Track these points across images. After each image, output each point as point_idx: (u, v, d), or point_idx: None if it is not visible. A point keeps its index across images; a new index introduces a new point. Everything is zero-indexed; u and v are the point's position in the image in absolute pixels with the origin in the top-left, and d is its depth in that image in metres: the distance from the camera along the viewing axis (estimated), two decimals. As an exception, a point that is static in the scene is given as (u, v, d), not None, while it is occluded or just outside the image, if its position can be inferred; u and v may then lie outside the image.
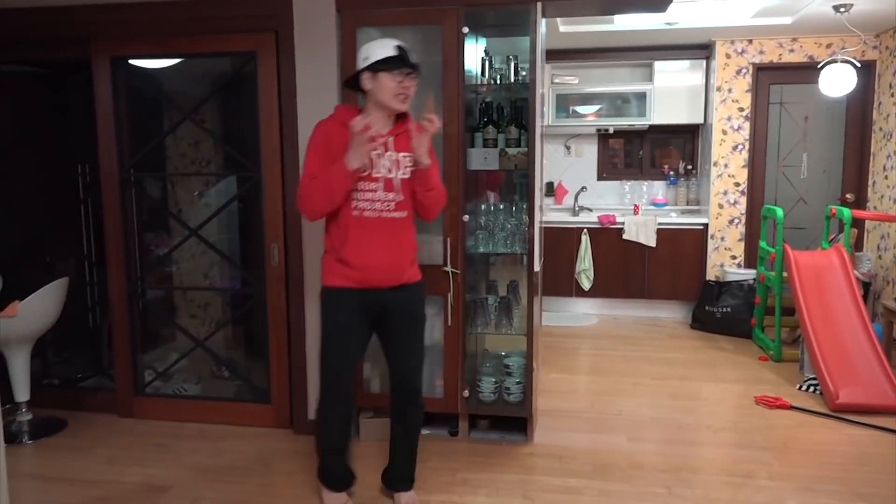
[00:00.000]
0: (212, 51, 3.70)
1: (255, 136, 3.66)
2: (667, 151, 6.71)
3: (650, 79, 6.34)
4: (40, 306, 3.60)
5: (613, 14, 4.95)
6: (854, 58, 5.34)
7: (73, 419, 3.90)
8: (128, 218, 3.89)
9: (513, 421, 3.64)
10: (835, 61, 5.07)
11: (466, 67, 3.41)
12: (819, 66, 5.18)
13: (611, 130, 6.61)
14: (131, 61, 3.87)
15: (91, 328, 4.61)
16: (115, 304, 3.89)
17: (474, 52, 3.61)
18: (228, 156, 4.74)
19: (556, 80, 6.48)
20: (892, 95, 5.45)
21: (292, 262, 3.62)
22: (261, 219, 3.70)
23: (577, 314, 6.38)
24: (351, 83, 2.74)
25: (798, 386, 4.40)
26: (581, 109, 6.47)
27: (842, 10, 4.70)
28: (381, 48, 2.60)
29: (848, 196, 5.97)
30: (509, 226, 3.64)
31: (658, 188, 6.68)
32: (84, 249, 4.51)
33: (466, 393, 3.54)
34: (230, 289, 4.95)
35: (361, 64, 2.63)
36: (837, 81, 5.03)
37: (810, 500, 2.98)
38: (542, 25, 3.53)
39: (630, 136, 6.73)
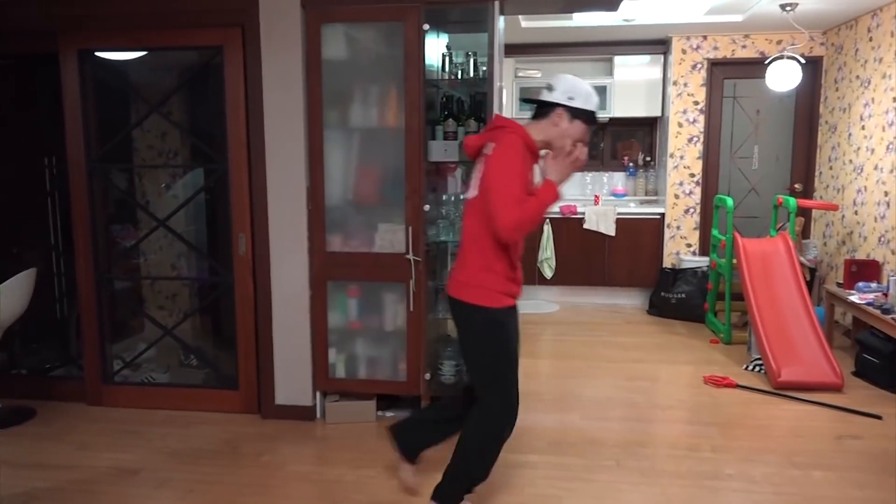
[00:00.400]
0: (179, 45, 3.77)
1: (221, 129, 3.75)
2: (627, 143, 6.92)
3: (610, 73, 6.54)
4: (9, 296, 3.65)
5: (568, 12, 5.12)
6: (802, 54, 5.59)
7: (42, 408, 3.96)
8: (96, 209, 3.95)
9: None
10: (781, 58, 5.31)
11: (428, 62, 3.54)
12: (766, 63, 5.41)
13: (572, 123, 6.78)
14: (98, 53, 3.92)
15: (59, 319, 4.66)
16: (84, 294, 3.96)
17: (436, 47, 3.75)
18: (195, 148, 4.82)
19: (520, 74, 6.65)
20: (837, 90, 5.72)
21: (259, 251, 3.73)
22: (227, 209, 3.80)
23: (540, 302, 6.57)
24: (531, 102, 2.69)
25: (745, 366, 4.64)
26: (544, 102, 6.62)
27: (787, 8, 4.93)
28: (587, 99, 2.59)
29: (796, 186, 6.24)
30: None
31: (618, 179, 6.89)
32: (51, 240, 4.55)
33: (428, 376, 3.69)
34: (198, 278, 5.03)
35: (562, 98, 2.57)
36: (783, 77, 5.27)
37: (748, 469, 3.19)
38: (500, 22, 3.67)
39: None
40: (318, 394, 3.82)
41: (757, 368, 4.57)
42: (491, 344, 2.65)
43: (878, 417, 3.79)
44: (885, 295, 4.47)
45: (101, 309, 4.01)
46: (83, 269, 3.94)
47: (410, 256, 3.59)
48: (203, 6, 3.60)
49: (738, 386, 4.28)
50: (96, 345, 3.99)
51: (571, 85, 2.59)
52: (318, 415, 3.82)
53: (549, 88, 2.61)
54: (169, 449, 3.45)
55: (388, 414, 3.83)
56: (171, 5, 3.61)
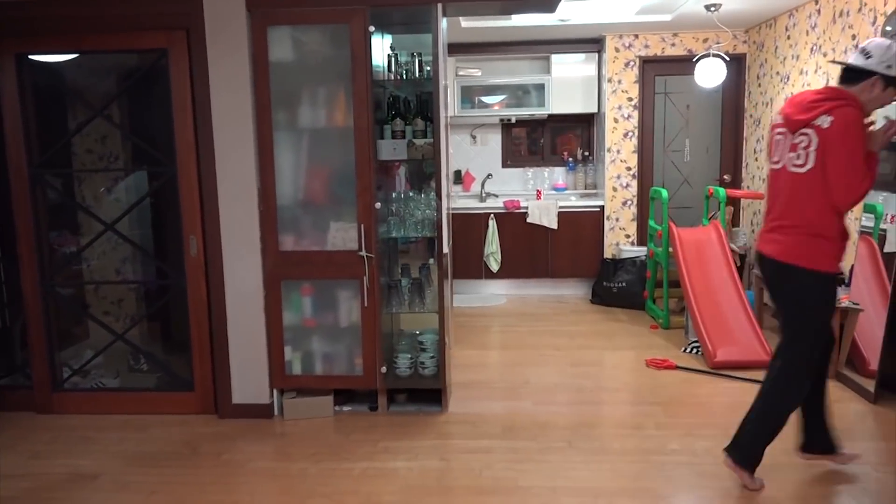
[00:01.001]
0: (122, 48, 3.76)
1: (167, 131, 3.74)
2: (566, 139, 7.14)
3: (548, 70, 6.74)
4: (-49, 306, 3.58)
5: (508, 14, 5.27)
6: (726, 52, 5.90)
7: (-12, 419, 3.89)
8: (39, 216, 3.88)
9: (429, 393, 3.91)
10: (707, 56, 5.59)
11: (374, 63, 3.63)
12: (694, 60, 5.69)
13: (513, 120, 6.98)
14: (33, 56, 3.85)
15: (1, 328, 4.54)
16: (29, 301, 3.89)
17: (381, 48, 3.83)
18: (138, 150, 4.76)
19: (461, 73, 6.78)
20: (760, 85, 6.06)
21: (211, 252, 3.75)
22: (175, 211, 3.80)
23: (487, 295, 6.73)
24: (845, 66, 2.74)
25: (683, 349, 4.89)
26: (485, 100, 6.80)
27: (712, 9, 5.21)
28: None
29: (725, 177, 6.57)
30: (419, 212, 3.90)
31: (559, 174, 7.10)
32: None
33: (384, 369, 3.78)
34: (148, 282, 4.98)
35: (879, 67, 2.62)
36: (710, 74, 5.56)
37: (690, 443, 3.40)
38: (444, 23, 3.79)
39: (531, 125, 7.12)
40: (275, 391, 3.86)
41: (694, 350, 4.82)
42: (820, 303, 2.82)
43: (805, 390, 4.07)
44: (808, 276, 4.78)
45: (48, 317, 3.95)
46: (28, 277, 3.88)
47: (363, 253, 3.67)
48: (146, 9, 3.59)
49: (677, 367, 4.52)
50: (43, 353, 3.93)
51: (891, 53, 2.63)
52: (276, 412, 3.87)
53: (866, 55, 2.66)
54: (126, 453, 3.44)
55: (346, 408, 3.91)
56: (113, 9, 3.59)
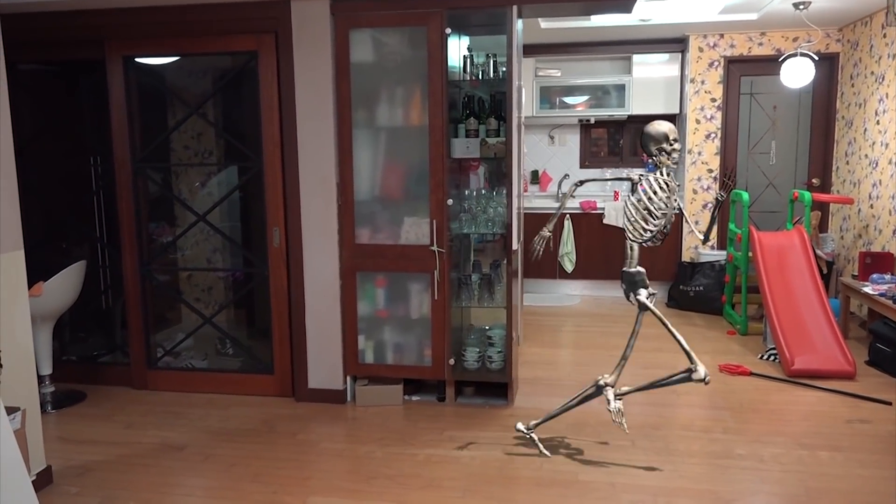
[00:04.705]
0: (217, 51, 4.02)
1: (256, 129, 3.98)
2: (646, 140, 7.03)
3: (629, 71, 6.68)
4: (62, 286, 3.93)
5: (583, 14, 5.25)
6: (818, 51, 5.69)
7: (91, 391, 4.24)
8: (140, 206, 4.21)
9: (495, 387, 4.00)
10: (794, 55, 5.41)
11: (450, 63, 3.74)
12: (780, 60, 5.52)
13: (592, 121, 6.95)
14: (138, 59, 4.17)
15: (104, 309, 4.94)
16: (129, 284, 4.22)
17: (457, 49, 3.94)
18: (229, 146, 5.07)
19: (540, 73, 6.81)
20: (853, 86, 5.81)
21: (293, 244, 3.96)
22: (261, 205, 4.03)
23: (561, 295, 6.74)
24: None
25: (759, 355, 4.77)
26: (564, 100, 6.80)
27: (801, 7, 5.05)
28: None
29: (814, 181, 6.33)
30: (490, 210, 3.98)
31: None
32: (97, 235, 4.83)
33: (452, 361, 3.89)
34: (235, 270, 5.29)
35: None
36: (797, 74, 5.37)
37: (757, 449, 3.34)
38: (519, 24, 3.87)
39: (611, 126, 7.07)
40: (348, 378, 4.04)
41: (772, 358, 4.70)
42: None
43: (888, 403, 3.91)
44: (898, 286, 4.57)
45: (146, 299, 4.27)
46: (129, 262, 4.20)
47: (435, 248, 3.79)
48: (239, 14, 3.83)
49: (752, 374, 4.42)
50: (141, 333, 4.26)
51: None
52: (349, 398, 4.04)
53: None
54: (211, 428, 3.70)
55: (415, 398, 4.04)
56: (210, 14, 3.84)
